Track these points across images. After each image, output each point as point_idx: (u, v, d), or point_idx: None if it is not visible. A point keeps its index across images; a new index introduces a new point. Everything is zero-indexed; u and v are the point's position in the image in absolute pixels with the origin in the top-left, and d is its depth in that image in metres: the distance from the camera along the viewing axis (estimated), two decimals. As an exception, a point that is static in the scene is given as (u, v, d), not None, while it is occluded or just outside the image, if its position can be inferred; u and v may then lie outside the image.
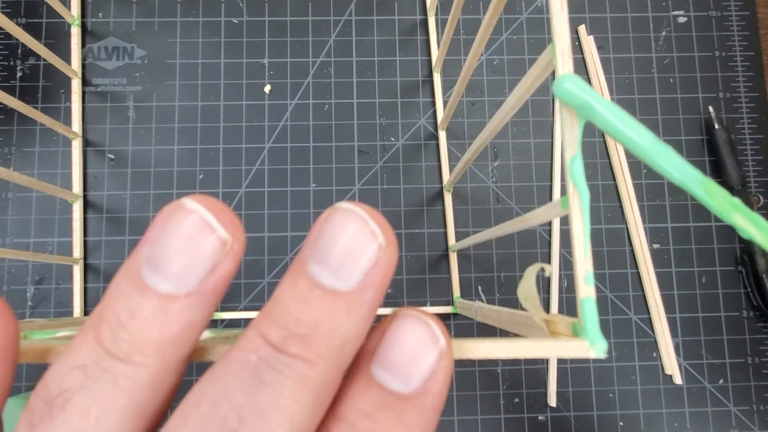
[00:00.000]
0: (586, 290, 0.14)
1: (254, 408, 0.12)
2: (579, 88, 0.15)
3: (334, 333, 0.12)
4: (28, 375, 0.40)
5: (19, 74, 0.43)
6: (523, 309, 0.18)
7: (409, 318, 0.13)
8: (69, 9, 0.44)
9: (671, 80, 0.45)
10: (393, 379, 0.13)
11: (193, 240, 0.12)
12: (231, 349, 0.13)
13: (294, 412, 0.12)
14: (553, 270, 0.43)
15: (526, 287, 0.16)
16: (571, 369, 0.41)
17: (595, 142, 0.44)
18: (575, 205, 0.15)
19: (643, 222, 0.43)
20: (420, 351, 0.13)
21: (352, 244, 0.12)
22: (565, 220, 0.43)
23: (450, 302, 0.42)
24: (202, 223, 0.13)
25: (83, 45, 0.44)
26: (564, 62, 0.16)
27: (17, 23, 0.44)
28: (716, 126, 0.43)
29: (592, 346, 0.14)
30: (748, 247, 0.42)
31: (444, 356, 0.13)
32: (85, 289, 0.42)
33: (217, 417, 0.12)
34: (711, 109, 0.44)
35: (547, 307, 0.43)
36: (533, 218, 0.20)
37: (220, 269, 0.13)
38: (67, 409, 0.12)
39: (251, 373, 0.12)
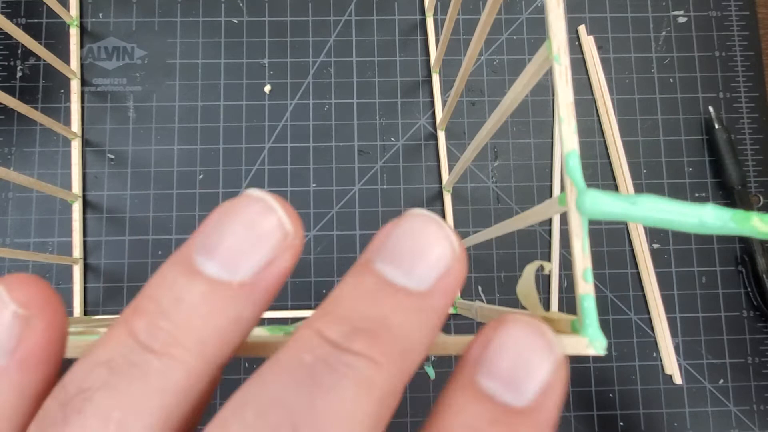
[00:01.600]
0: (585, 287, 0.14)
1: (310, 416, 0.10)
2: (613, 199, 0.14)
3: (402, 333, 0.11)
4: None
5: (19, 74, 0.44)
6: (522, 308, 0.18)
7: (521, 324, 0.12)
8: (68, 10, 0.44)
9: (671, 80, 0.45)
10: (505, 390, 0.11)
11: (255, 225, 0.12)
12: (280, 351, 0.11)
13: (356, 422, 0.10)
14: (554, 270, 0.43)
15: (525, 285, 0.16)
16: (571, 369, 0.41)
17: (595, 142, 0.44)
18: (573, 201, 0.15)
19: (643, 222, 0.43)
20: (534, 360, 0.12)
21: (428, 247, 0.12)
22: (565, 219, 0.43)
23: (450, 302, 0.42)
24: (267, 209, 0.12)
25: (82, 45, 0.44)
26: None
27: (17, 23, 0.44)
28: (716, 126, 0.43)
29: (591, 343, 0.14)
30: (748, 247, 0.42)
31: (560, 367, 0.12)
32: (85, 289, 0.42)
33: (265, 426, 0.10)
34: (711, 109, 0.44)
35: (547, 308, 0.42)
36: (532, 216, 0.20)
37: (278, 263, 0.12)
38: (85, 411, 0.10)
39: (307, 374, 0.11)
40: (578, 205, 0.14)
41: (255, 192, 0.12)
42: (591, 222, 0.45)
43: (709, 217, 0.13)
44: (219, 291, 0.11)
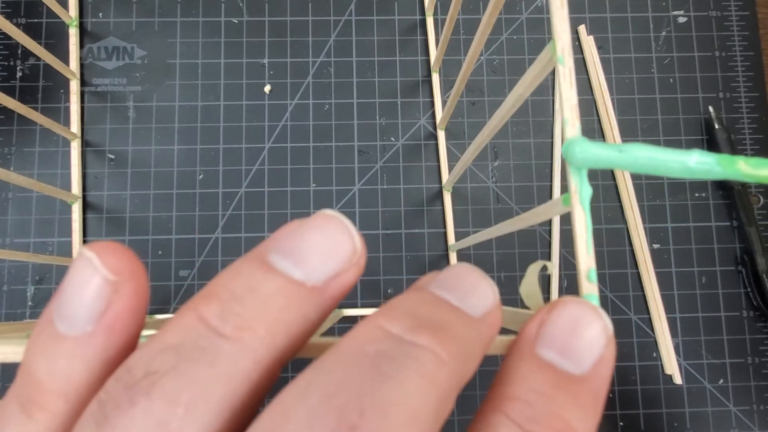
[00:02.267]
0: (589, 287, 0.14)
1: (376, 401, 0.10)
2: (601, 147, 0.14)
3: (464, 337, 0.12)
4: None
5: (19, 74, 0.43)
6: (525, 307, 0.18)
7: (582, 305, 0.13)
8: (67, 10, 0.44)
9: (671, 80, 0.45)
10: (565, 360, 0.13)
11: (332, 237, 0.12)
12: (339, 343, 0.11)
13: (420, 412, 0.10)
14: (554, 270, 0.43)
15: (529, 285, 0.16)
16: (571, 369, 0.41)
17: (595, 142, 0.44)
18: (577, 201, 0.15)
19: (643, 222, 0.43)
20: (590, 335, 0.13)
21: (474, 285, 0.13)
22: (565, 220, 0.43)
23: (450, 302, 0.42)
24: (343, 226, 0.12)
25: (82, 45, 0.44)
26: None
27: (17, 23, 0.44)
28: (716, 126, 0.43)
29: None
30: (748, 247, 0.42)
31: (610, 342, 0.13)
32: (85, 290, 0.41)
33: (330, 409, 0.10)
34: (711, 109, 0.44)
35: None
36: (535, 216, 0.20)
37: (345, 276, 0.12)
38: (153, 393, 0.10)
39: (370, 364, 0.11)
40: (568, 154, 0.14)
41: (330, 211, 0.13)
42: (591, 221, 0.45)
43: (694, 162, 0.14)
44: (293, 288, 0.12)
